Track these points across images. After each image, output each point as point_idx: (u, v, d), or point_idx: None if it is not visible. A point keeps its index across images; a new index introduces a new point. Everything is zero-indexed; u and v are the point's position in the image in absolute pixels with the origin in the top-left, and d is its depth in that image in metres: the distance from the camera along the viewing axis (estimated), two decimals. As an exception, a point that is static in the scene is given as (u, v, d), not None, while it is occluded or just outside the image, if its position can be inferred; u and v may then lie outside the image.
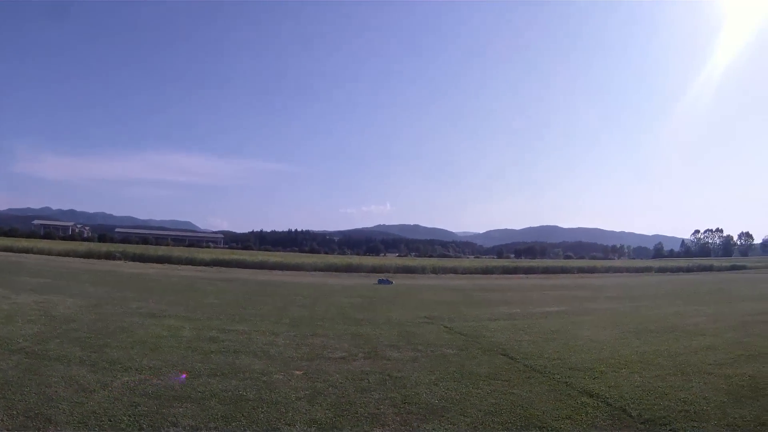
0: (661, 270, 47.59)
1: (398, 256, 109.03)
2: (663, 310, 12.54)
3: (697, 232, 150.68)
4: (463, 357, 6.33)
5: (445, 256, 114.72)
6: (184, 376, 4.90)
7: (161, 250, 42.82)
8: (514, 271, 39.24)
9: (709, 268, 50.44)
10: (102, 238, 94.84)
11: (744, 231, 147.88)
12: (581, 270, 43.50)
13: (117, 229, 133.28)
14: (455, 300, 14.79)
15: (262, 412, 3.93)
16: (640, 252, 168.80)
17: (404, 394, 4.57)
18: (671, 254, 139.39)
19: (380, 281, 22.49)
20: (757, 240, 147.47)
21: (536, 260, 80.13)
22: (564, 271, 42.06)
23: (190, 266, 30.80)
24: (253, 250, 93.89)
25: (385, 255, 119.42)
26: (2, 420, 3.48)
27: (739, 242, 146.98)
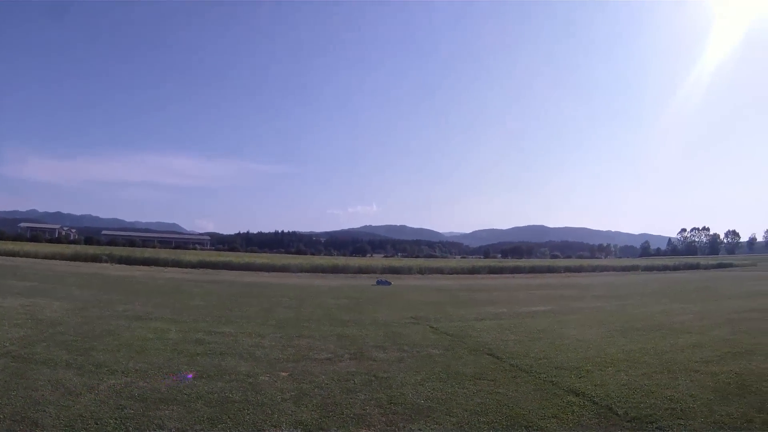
0: (648, 268, 48.01)
1: (385, 256, 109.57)
2: (649, 309, 12.67)
3: (684, 230, 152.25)
4: (449, 357, 6.35)
5: (431, 256, 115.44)
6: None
7: (148, 253, 42.42)
8: (501, 270, 39.46)
9: (696, 267, 50.89)
10: (88, 241, 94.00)
11: (731, 229, 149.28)
12: (568, 269, 43.95)
13: (103, 232, 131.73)
14: (441, 300, 14.82)
15: (248, 414, 3.92)
16: (626, 251, 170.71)
17: (390, 394, 4.59)
18: (658, 253, 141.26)
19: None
20: (744, 238, 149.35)
21: (523, 260, 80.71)
22: (550, 270, 42.26)
23: (177, 268, 30.64)
24: (239, 251, 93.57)
25: (371, 256, 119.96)
26: (-14, 424, 3.45)
27: (725, 240, 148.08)
